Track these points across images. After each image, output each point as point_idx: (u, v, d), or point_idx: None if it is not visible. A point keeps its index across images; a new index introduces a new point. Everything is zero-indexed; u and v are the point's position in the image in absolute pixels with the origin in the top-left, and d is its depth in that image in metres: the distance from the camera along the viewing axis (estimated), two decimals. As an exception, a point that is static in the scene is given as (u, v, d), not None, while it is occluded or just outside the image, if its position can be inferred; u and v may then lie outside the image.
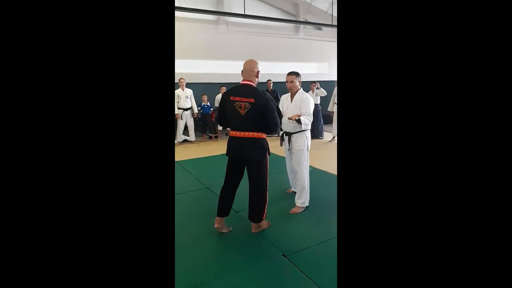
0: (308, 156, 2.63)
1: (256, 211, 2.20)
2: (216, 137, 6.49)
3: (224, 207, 2.24)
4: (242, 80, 2.16)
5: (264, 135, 2.17)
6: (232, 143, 2.16)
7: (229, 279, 1.73)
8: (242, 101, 2.07)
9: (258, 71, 2.16)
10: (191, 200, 2.99)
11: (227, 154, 2.22)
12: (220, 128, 6.38)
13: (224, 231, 2.24)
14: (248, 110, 2.06)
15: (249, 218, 2.25)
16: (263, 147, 2.15)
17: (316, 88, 5.90)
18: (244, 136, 2.10)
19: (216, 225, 2.23)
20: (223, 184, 2.27)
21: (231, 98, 2.10)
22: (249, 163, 2.16)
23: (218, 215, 2.24)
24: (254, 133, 2.10)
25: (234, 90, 2.14)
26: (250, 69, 2.13)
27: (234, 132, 2.14)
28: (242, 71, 2.16)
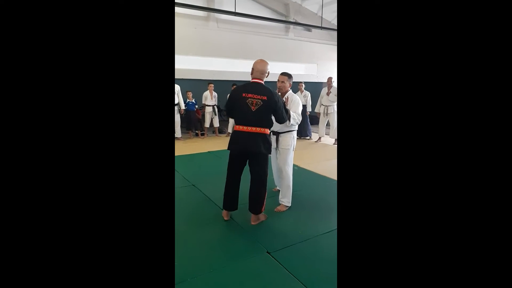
0: (293, 156, 2.66)
1: (257, 203, 2.31)
2: (202, 134, 6.44)
3: (234, 201, 2.35)
4: (253, 79, 2.27)
5: (268, 131, 2.27)
6: (239, 137, 2.22)
7: (213, 275, 1.73)
8: (255, 98, 2.17)
9: (269, 72, 2.31)
10: (175, 197, 2.95)
11: (230, 147, 2.27)
12: (207, 125, 6.34)
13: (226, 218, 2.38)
14: (259, 106, 2.17)
15: (250, 209, 2.34)
16: (269, 143, 2.26)
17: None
18: (252, 131, 2.19)
19: (226, 218, 2.38)
20: (227, 179, 2.34)
21: (244, 94, 2.19)
22: (254, 157, 2.24)
23: (227, 209, 2.36)
24: (262, 129, 2.21)
25: (246, 87, 2.24)
26: (262, 70, 2.26)
27: (241, 127, 2.21)
28: (253, 69, 2.27)
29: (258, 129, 2.19)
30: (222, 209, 2.42)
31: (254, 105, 2.17)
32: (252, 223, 2.34)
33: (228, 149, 2.30)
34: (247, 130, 2.19)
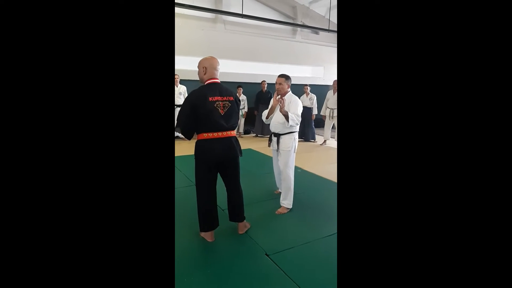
0: (294, 157, 2.66)
1: (242, 208, 2.22)
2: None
3: (217, 215, 2.14)
4: (211, 78, 2.04)
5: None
6: (214, 145, 1.98)
7: (211, 276, 1.73)
8: (223, 100, 1.99)
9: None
10: (177, 196, 2.97)
11: (207, 158, 2.00)
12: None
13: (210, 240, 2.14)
14: (228, 109, 2.00)
15: (234, 219, 2.23)
16: (239, 144, 2.14)
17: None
18: (228, 136, 2.02)
19: (210, 239, 2.11)
20: (202, 195, 2.08)
21: (210, 99, 1.96)
22: (233, 162, 2.11)
23: (211, 230, 2.11)
24: (233, 131, 2.07)
25: (209, 90, 1.99)
26: (217, 67, 2.06)
27: (213, 134, 1.98)
28: (205, 68, 2.03)
29: (230, 133, 2.03)
30: (208, 231, 2.11)
31: (222, 108, 1.98)
32: (240, 232, 2.23)
33: (202, 161, 2.02)
34: (221, 136, 1.99)
